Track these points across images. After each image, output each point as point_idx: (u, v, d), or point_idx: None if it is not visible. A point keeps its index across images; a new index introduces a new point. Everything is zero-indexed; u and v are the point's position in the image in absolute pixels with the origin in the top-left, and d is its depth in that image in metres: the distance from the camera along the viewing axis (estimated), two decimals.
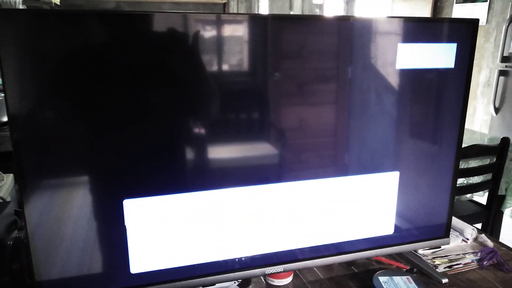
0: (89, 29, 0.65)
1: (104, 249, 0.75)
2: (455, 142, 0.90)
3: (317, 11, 4.45)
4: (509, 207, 2.14)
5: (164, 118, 0.72)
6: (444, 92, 0.88)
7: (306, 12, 4.45)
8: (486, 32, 3.63)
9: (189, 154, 0.75)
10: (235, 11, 4.56)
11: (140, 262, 0.76)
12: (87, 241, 0.72)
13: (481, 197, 2.10)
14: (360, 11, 4.72)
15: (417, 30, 0.83)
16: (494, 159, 1.95)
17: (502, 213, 2.17)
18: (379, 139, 0.86)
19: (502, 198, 2.12)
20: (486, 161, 1.98)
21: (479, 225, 2.11)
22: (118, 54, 0.67)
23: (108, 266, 0.75)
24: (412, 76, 0.85)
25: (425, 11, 4.16)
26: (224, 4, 4.45)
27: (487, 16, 3.66)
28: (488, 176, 1.99)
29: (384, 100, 0.85)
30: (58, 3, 3.67)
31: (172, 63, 0.70)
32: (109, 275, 0.76)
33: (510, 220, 2.25)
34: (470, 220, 2.08)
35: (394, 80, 0.84)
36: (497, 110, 3.53)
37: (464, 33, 0.85)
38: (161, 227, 0.75)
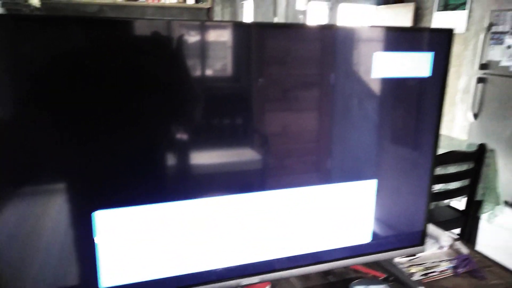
0: (70, 35, 0.63)
1: (72, 263, 0.72)
2: (431, 149, 0.91)
3: (300, 17, 4.49)
4: (486, 212, 2.18)
5: (140, 124, 0.70)
6: (421, 100, 0.89)
7: (290, 18, 4.47)
8: (465, 40, 3.71)
9: (166, 162, 0.74)
10: (220, 16, 4.55)
11: (110, 275, 0.74)
12: (54, 255, 0.70)
13: (459, 203, 2.13)
14: (344, 18, 4.77)
15: (395, 39, 0.84)
16: (472, 165, 1.98)
17: (479, 218, 2.21)
18: (357, 147, 0.86)
19: (479, 204, 2.15)
20: (464, 167, 2.01)
21: (457, 230, 2.13)
22: (95, 60, 0.65)
23: (76, 281, 0.73)
24: (389, 85, 0.85)
25: (407, 18, 4.24)
26: (209, 9, 4.44)
27: (467, 24, 3.74)
28: (465, 182, 2.01)
29: (362, 108, 0.85)
30: (39, 6, 3.61)
31: (153, 68, 0.69)
32: None
33: (487, 225, 2.29)
34: (448, 225, 2.11)
35: (371, 89, 0.84)
36: (475, 116, 3.61)
37: (441, 42, 0.86)
38: (133, 239, 0.73)
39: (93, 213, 0.70)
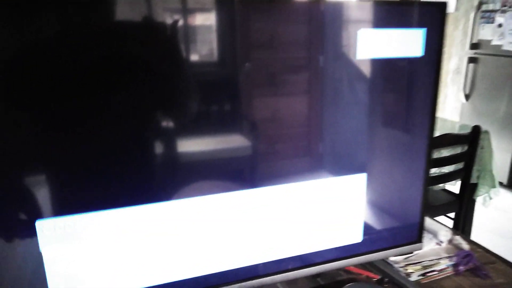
0: (47, 16, 0.53)
1: (19, 278, 0.63)
2: (426, 135, 0.82)
3: None
4: (481, 195, 2.13)
5: (105, 109, 0.59)
6: (414, 82, 0.79)
7: None
8: (455, 20, 3.62)
9: (136, 154, 0.63)
10: None
11: None
12: None
13: (454, 186, 2.07)
14: None
15: (383, 14, 0.73)
16: (466, 148, 1.91)
17: (474, 201, 2.15)
18: (344, 136, 0.76)
19: (474, 187, 2.10)
20: (458, 149, 1.94)
21: (452, 215, 2.08)
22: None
23: None
24: (379, 66, 0.75)
25: None
26: None
27: (456, 3, 3.65)
28: (460, 165, 1.95)
29: (351, 93, 0.75)
30: None
31: (132, 52, 0.59)
32: None
33: (482, 208, 2.23)
34: (443, 209, 2.06)
35: (359, 71, 0.74)
36: (467, 96, 3.54)
37: (433, 17, 0.76)
38: (88, 251, 0.63)
39: (35, 222, 0.60)
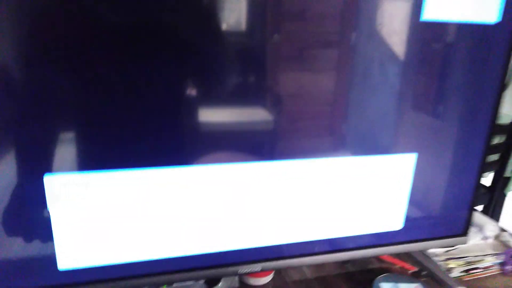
0: None
1: (25, 240, 0.56)
2: (489, 118, 0.71)
3: None
4: None
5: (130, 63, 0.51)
6: (481, 54, 0.68)
7: None
8: None
9: (159, 115, 0.55)
10: None
11: (70, 256, 0.57)
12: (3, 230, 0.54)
13: (485, 178, 1.95)
14: None
15: None
16: (504, 139, 1.78)
17: (504, 196, 2.03)
18: (393, 112, 0.66)
19: (507, 181, 1.97)
20: (495, 140, 1.81)
21: (480, 207, 1.97)
22: None
23: (30, 261, 0.57)
24: (440, 32, 0.64)
25: None
26: None
27: None
28: (495, 157, 1.82)
29: (405, 63, 0.64)
30: None
31: (159, 17, 0.51)
32: (31, 271, 0.57)
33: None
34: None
35: (415, 38, 0.63)
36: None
37: None
38: (99, 212, 0.56)
39: (43, 177, 0.52)
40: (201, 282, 0.71)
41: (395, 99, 0.65)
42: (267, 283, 0.73)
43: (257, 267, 0.67)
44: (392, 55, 0.63)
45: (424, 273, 0.76)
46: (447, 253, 0.80)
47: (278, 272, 0.76)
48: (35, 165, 0.52)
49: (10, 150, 0.51)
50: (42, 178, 0.52)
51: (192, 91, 0.56)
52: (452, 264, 0.77)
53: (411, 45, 0.63)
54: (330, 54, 0.60)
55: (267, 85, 0.59)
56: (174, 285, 0.68)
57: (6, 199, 0.53)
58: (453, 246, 0.81)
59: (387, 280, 0.70)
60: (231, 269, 0.66)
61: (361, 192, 0.68)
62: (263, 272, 0.71)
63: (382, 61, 0.63)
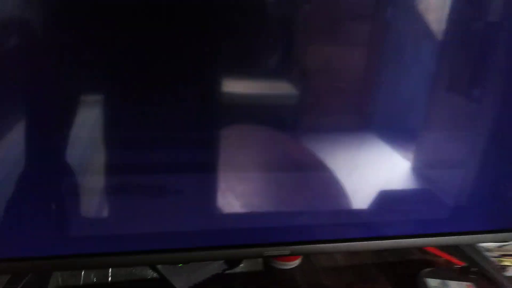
0: None
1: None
2: None
3: None
4: None
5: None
6: None
7: None
8: None
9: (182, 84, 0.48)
10: None
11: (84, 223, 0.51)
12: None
13: None
14: None
15: None
16: None
17: None
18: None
19: None
20: None
21: None
22: None
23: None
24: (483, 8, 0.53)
25: None
26: None
27: None
28: None
29: (440, 43, 0.54)
30: None
31: None
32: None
33: None
34: None
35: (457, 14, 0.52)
36: None
37: None
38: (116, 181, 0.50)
39: None
40: (221, 261, 0.65)
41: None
42: (295, 267, 0.66)
43: (286, 250, 0.59)
44: (429, 32, 0.52)
45: (473, 269, 0.67)
46: (500, 248, 0.70)
47: (307, 256, 0.68)
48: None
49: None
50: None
51: (214, 62, 0.49)
52: (507, 261, 0.67)
53: (452, 22, 0.52)
54: (363, 28, 0.51)
55: (293, 58, 0.51)
56: (191, 263, 0.61)
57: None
58: (508, 242, 0.71)
59: (433, 275, 0.61)
60: (256, 250, 0.58)
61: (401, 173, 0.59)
62: (291, 256, 0.64)
63: (418, 38, 0.52)
